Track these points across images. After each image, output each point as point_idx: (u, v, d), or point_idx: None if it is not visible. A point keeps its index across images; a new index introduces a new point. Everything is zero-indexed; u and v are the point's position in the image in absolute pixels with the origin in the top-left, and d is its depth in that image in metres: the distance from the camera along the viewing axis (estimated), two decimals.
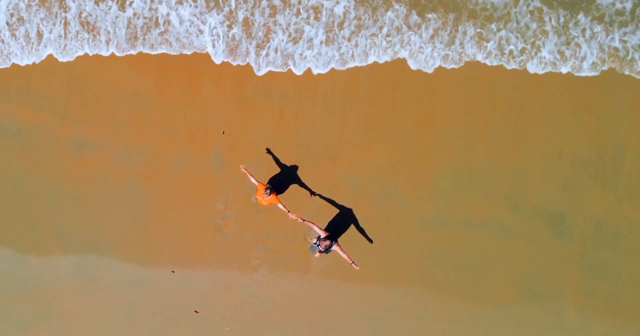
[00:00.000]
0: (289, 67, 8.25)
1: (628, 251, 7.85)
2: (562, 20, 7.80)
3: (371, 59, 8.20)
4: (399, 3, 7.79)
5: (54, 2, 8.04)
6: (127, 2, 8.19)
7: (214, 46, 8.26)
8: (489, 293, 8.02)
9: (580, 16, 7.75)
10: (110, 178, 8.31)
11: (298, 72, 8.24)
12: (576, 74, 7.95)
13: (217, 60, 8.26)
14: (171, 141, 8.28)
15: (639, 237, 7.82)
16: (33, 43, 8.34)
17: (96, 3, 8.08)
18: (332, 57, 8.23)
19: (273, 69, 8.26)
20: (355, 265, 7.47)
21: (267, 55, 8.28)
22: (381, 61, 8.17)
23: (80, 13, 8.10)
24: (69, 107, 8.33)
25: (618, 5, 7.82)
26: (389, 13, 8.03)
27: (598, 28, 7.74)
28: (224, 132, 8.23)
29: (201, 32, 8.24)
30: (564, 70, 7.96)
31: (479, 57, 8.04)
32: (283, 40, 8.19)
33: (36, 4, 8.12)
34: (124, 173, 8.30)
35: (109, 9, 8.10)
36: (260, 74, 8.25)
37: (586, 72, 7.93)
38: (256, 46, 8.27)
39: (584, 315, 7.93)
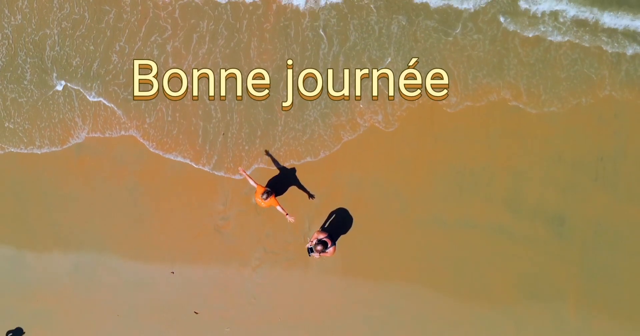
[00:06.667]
0: None
1: (628, 252, 7.82)
2: None
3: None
4: None
5: None
6: None
7: None
8: (489, 293, 8.01)
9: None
10: (109, 178, 8.31)
11: None
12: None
13: None
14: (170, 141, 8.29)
15: (639, 237, 7.79)
16: None
17: None
18: None
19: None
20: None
21: None
22: None
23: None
24: None
25: None
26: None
27: None
28: (223, 134, 8.21)
29: None
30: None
31: None
32: None
33: None
34: (123, 173, 8.30)
35: None
36: None
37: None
38: None
39: (584, 316, 7.91)
